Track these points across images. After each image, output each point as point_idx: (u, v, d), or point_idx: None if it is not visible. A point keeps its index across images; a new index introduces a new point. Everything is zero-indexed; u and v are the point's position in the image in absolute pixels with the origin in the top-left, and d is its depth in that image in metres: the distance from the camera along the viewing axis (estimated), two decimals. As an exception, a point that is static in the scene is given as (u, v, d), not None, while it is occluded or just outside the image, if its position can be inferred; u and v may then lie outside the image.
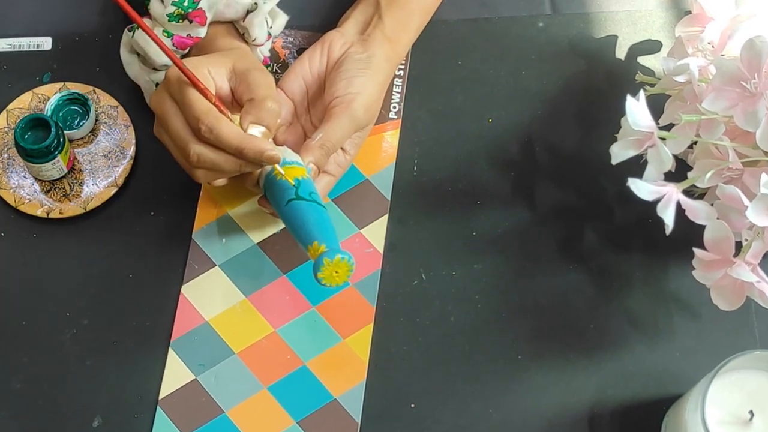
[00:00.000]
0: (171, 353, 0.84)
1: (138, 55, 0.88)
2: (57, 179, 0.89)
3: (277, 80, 0.85)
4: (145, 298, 0.86)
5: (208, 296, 0.86)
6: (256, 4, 0.85)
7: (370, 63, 0.86)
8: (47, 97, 0.91)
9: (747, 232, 0.77)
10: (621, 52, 0.95)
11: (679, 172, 0.80)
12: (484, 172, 0.90)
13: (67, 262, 0.87)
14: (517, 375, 0.84)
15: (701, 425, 0.71)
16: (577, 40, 0.95)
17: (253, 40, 0.87)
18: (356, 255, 0.80)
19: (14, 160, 0.89)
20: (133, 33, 0.86)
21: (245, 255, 0.87)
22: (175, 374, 0.83)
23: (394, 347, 0.85)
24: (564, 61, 0.94)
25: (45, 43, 0.94)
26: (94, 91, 0.92)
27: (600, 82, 0.94)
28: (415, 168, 0.90)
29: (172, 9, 0.83)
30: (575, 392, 0.84)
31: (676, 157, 0.79)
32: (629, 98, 0.75)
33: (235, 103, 0.82)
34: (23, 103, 0.91)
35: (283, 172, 0.81)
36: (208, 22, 0.85)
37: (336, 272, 0.79)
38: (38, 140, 0.86)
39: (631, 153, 0.77)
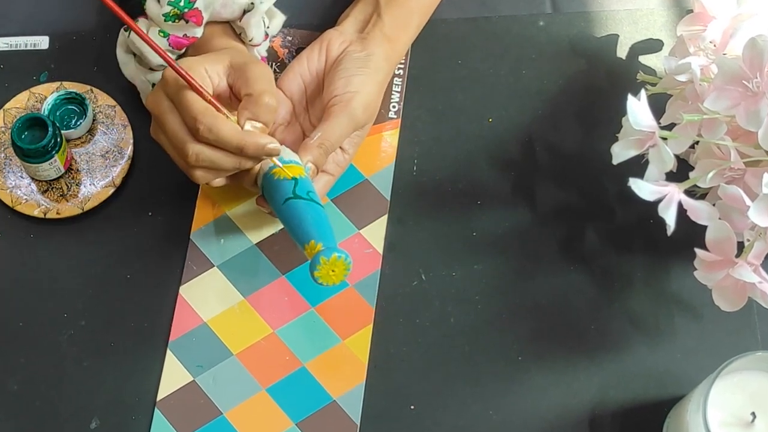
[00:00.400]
0: (169, 354, 0.84)
1: (134, 55, 0.87)
2: (54, 179, 0.88)
3: (275, 79, 0.85)
4: (143, 299, 0.86)
5: (207, 297, 0.85)
6: (252, 3, 0.85)
7: (369, 62, 0.85)
8: (44, 96, 0.90)
9: (749, 233, 0.77)
10: (622, 51, 0.95)
11: (680, 172, 0.79)
12: (484, 172, 0.90)
13: (64, 263, 0.87)
14: (518, 376, 0.84)
15: (703, 427, 0.71)
16: (578, 39, 0.95)
17: (249, 40, 0.86)
18: (355, 255, 0.80)
19: (11, 160, 0.89)
20: (129, 33, 0.86)
21: (243, 255, 0.87)
22: (174, 375, 0.83)
23: (394, 348, 0.84)
24: (565, 61, 0.94)
25: (42, 42, 0.94)
26: (91, 90, 0.91)
27: (601, 81, 0.93)
28: (414, 168, 0.90)
29: (168, 9, 0.83)
30: (576, 393, 0.83)
31: (677, 157, 0.79)
32: (630, 98, 0.75)
33: (233, 98, 0.81)
34: (20, 103, 0.91)
35: (282, 166, 0.81)
36: (204, 22, 0.84)
37: (333, 271, 0.78)
38: (35, 140, 0.85)
39: (633, 153, 0.77)
